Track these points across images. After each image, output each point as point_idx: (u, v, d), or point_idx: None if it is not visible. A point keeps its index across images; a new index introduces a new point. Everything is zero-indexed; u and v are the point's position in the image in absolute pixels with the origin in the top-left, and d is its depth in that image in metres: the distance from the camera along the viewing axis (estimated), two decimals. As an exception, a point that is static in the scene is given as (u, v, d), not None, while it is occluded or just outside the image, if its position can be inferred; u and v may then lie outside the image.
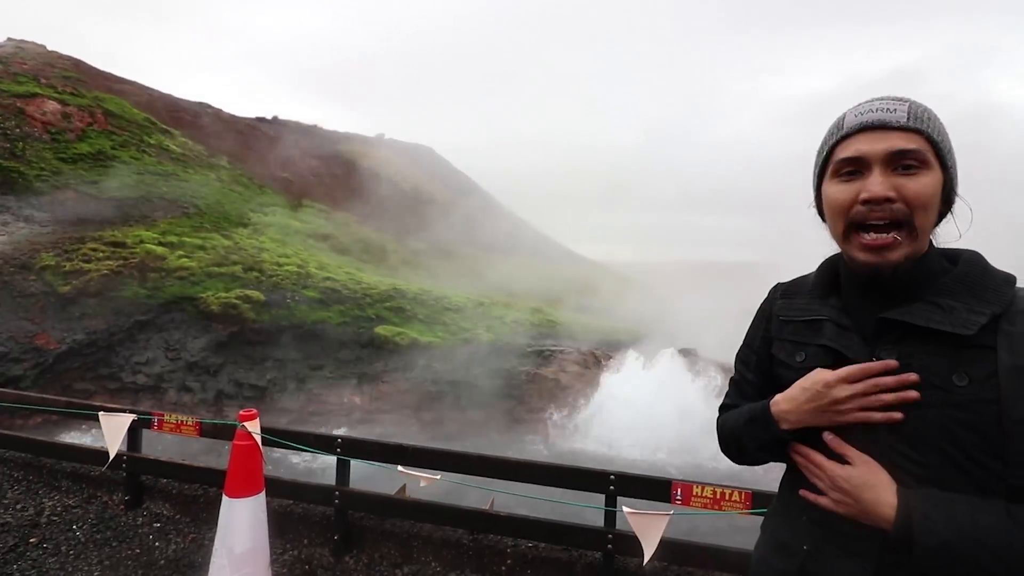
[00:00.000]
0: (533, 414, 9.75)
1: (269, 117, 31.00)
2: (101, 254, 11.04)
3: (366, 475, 3.66)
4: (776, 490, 1.16)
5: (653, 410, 9.75)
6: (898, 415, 0.88)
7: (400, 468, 2.93)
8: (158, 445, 7.09)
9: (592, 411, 9.73)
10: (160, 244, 12.05)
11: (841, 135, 0.93)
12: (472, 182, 33.36)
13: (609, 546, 3.05)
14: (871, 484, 0.88)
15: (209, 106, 27.19)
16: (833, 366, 0.94)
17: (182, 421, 3.76)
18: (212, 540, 3.55)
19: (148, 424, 3.78)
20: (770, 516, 1.14)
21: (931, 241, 0.95)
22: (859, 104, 0.94)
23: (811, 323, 1.02)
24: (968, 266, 0.93)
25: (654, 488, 3.07)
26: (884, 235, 0.88)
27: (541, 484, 3.26)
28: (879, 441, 0.90)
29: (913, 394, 0.87)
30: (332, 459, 3.54)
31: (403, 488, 4.07)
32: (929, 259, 0.93)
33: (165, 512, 3.95)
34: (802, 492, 0.98)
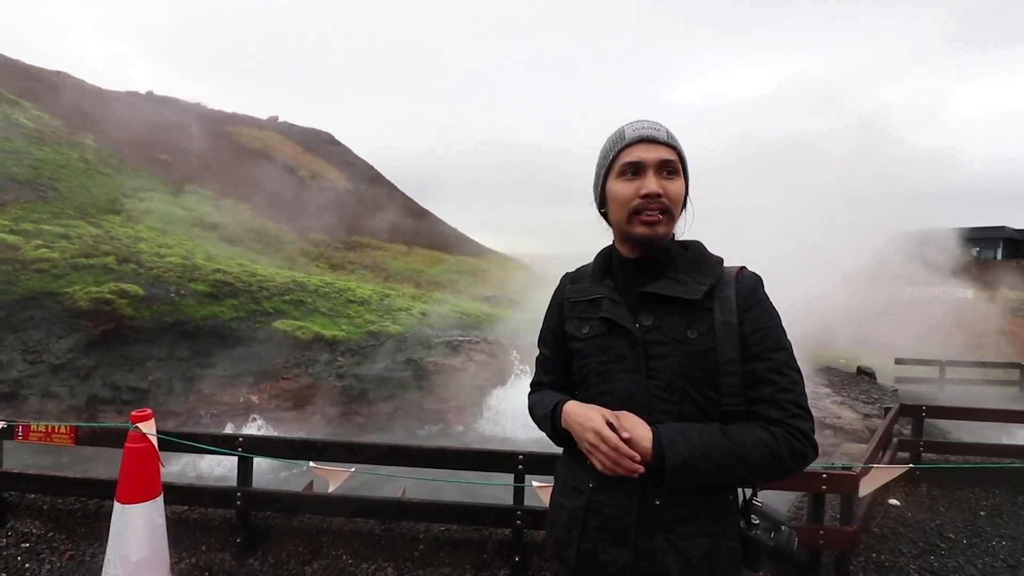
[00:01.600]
0: (442, 403, 9.80)
1: (143, 91, 27.97)
2: (-68, 243, 9.46)
3: (273, 478, 3.55)
4: None
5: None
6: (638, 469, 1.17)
7: (311, 464, 2.89)
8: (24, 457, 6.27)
9: (498, 397, 9.97)
10: (12, 232, 10.53)
11: (624, 144, 1.23)
12: (375, 171, 32.33)
13: (518, 522, 3.23)
14: (633, 429, 1.16)
15: (69, 76, 24.00)
16: (609, 332, 1.24)
17: (53, 428, 3.41)
18: (93, 556, 3.28)
19: (10, 434, 3.38)
20: (561, 465, 1.39)
21: (672, 233, 1.27)
22: (633, 122, 1.25)
23: (592, 301, 1.30)
24: (694, 252, 1.28)
25: (558, 465, 3.29)
26: (655, 214, 1.19)
27: (453, 469, 3.36)
28: (640, 384, 1.20)
29: (639, 468, 1.16)
30: (229, 462, 3.40)
31: (310, 484, 3.99)
32: (671, 246, 1.27)
33: (35, 530, 3.58)
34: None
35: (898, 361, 12.66)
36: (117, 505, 2.18)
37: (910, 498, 4.94)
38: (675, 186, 1.20)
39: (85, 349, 8.76)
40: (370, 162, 32.70)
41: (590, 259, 1.44)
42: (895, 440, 5.17)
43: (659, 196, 1.18)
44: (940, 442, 5.99)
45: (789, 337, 1.23)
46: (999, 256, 39.00)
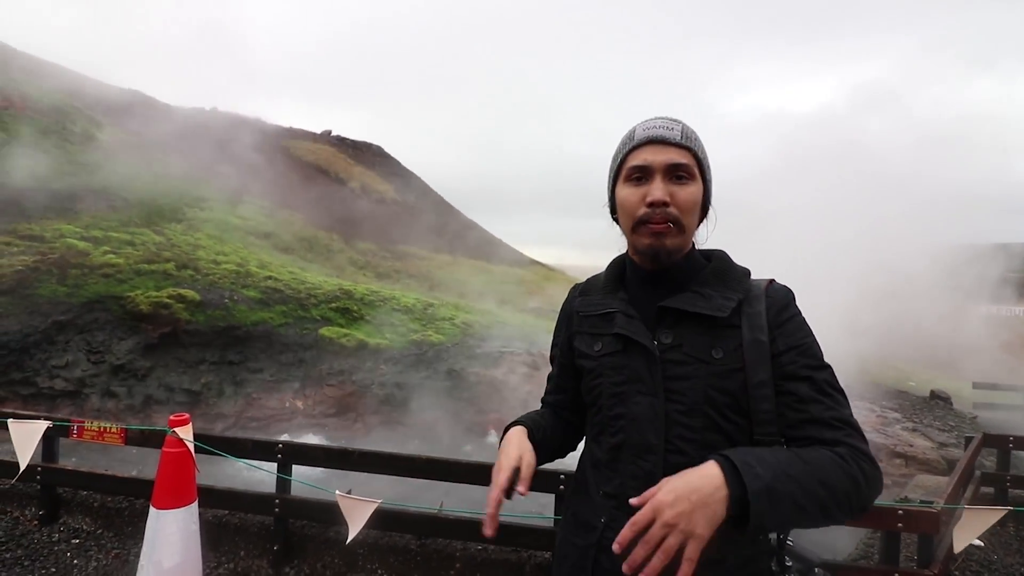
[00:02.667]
0: (482, 416, 9.70)
1: (207, 108, 29.55)
2: (15, 248, 10.15)
3: (312, 482, 3.51)
4: None
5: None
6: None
7: (337, 492, 2.82)
8: (83, 454, 6.59)
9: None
10: (83, 239, 11.21)
11: (632, 146, 1.11)
12: (423, 182, 32.94)
13: (558, 546, 3.07)
14: (683, 478, 0.88)
15: (141, 94, 25.64)
16: (624, 350, 1.11)
17: (105, 428, 3.49)
18: (137, 556, 3.32)
19: (66, 432, 3.48)
20: (570, 496, 1.26)
21: (693, 243, 1.16)
22: (646, 121, 1.13)
23: (605, 315, 1.17)
24: (718, 263, 1.15)
25: (602, 487, 3.11)
26: (662, 224, 1.07)
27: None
28: (659, 409, 1.06)
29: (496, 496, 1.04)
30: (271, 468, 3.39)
31: (348, 493, 3.95)
32: (692, 256, 1.15)
33: (85, 527, 3.66)
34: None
35: (976, 386, 11.65)
36: (152, 510, 2.16)
37: (995, 539, 4.46)
38: (686, 192, 1.07)
39: (143, 351, 9.16)
40: (418, 173, 33.36)
41: None
42: (978, 474, 4.69)
43: (665, 204, 1.06)
44: (1031, 477, 5.40)
45: (850, 355, 1.05)
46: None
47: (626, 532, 0.85)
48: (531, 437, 1.21)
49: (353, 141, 33.54)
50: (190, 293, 10.24)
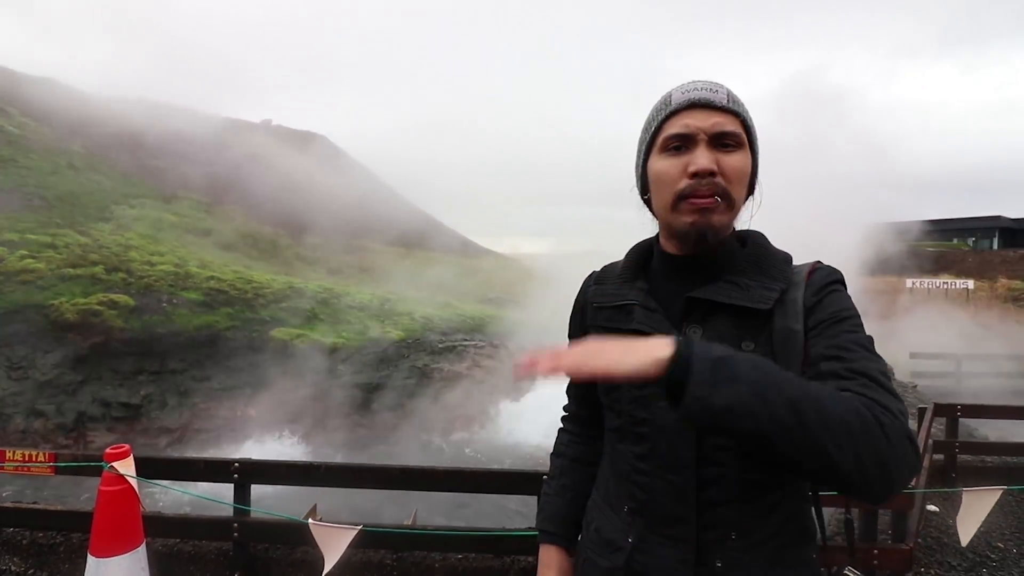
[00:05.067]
0: (448, 412, 9.50)
1: (132, 96, 27.59)
2: (-87, 256, 9.11)
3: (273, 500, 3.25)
4: None
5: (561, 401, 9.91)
6: None
7: (311, 522, 2.57)
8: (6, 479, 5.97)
9: (506, 404, 9.69)
10: (-5, 243, 10.20)
11: (670, 111, 0.96)
12: (371, 173, 32.01)
13: (544, 550, 2.96)
14: (638, 343, 0.78)
15: (57, 82, 23.62)
16: None
17: (30, 455, 3.09)
18: (77, 597, 2.98)
19: (-17, 465, 3.07)
20: (589, 510, 1.10)
21: (733, 225, 1.00)
22: (683, 84, 0.98)
23: (622, 308, 1.03)
24: (755, 247, 1.01)
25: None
26: (708, 198, 0.92)
27: (471, 492, 3.09)
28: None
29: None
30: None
31: (314, 509, 3.71)
32: (729, 240, 0.99)
33: (13, 567, 3.28)
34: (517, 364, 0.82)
35: (913, 355, 12.41)
36: (91, 559, 1.86)
37: (948, 503, 4.67)
38: (734, 160, 0.92)
39: (72, 364, 8.42)
40: (366, 164, 32.41)
41: (598, 256, 1.17)
42: (930, 442, 4.90)
43: (713, 174, 0.90)
44: (977, 442, 5.73)
45: None
46: (995, 246, 39.07)
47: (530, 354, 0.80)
48: (569, 551, 1.14)
49: (295, 131, 32.20)
50: (123, 298, 9.49)
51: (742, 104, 0.98)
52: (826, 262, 1.01)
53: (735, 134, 0.93)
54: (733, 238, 1.01)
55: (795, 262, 1.01)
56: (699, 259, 0.98)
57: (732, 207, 0.94)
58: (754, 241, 1.01)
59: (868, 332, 0.92)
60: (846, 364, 0.83)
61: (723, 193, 0.91)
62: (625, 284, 1.05)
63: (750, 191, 1.00)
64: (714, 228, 0.92)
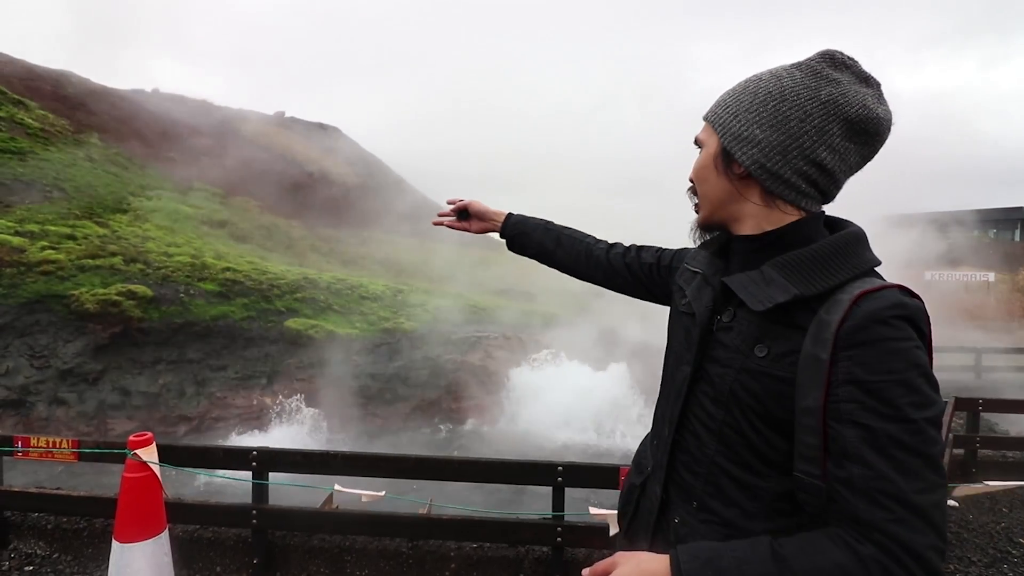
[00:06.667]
0: (461, 403, 9.54)
1: (148, 89, 27.81)
2: (-62, 247, 9.30)
3: (289, 488, 3.29)
4: None
5: (577, 392, 9.90)
6: None
7: (337, 487, 2.61)
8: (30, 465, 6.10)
9: (519, 395, 9.69)
10: (17, 234, 10.35)
11: None
12: (384, 164, 32.04)
13: (559, 539, 2.97)
14: (637, 559, 0.87)
15: (74, 75, 23.86)
16: (692, 314, 1.03)
17: (54, 443, 3.16)
18: (101, 580, 3.05)
19: (9, 451, 3.14)
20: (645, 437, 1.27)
21: (806, 213, 0.94)
22: None
23: (694, 275, 1.10)
24: (825, 244, 0.89)
25: (602, 476, 3.02)
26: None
27: (486, 482, 3.10)
28: (687, 387, 1.00)
29: None
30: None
31: (330, 498, 3.75)
32: (786, 229, 0.93)
33: (39, 551, 3.36)
34: None
35: (930, 348, 12.19)
36: (115, 544, 1.89)
37: (968, 498, 4.60)
38: (695, 162, 1.04)
39: (93, 353, 8.57)
40: (378, 155, 32.43)
41: None
42: (950, 436, 4.83)
43: (692, 180, 1.05)
44: (999, 437, 5.62)
45: None
46: (1017, 238, 38.20)
47: None
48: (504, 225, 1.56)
49: (308, 123, 32.27)
50: (141, 289, 9.62)
51: (721, 104, 1.00)
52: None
53: (699, 140, 1.03)
54: (811, 224, 0.93)
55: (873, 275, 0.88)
56: (767, 244, 0.94)
57: (702, 204, 1.03)
58: (831, 239, 0.90)
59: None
60: (878, 482, 0.73)
61: (695, 193, 1.05)
62: (712, 255, 1.09)
63: (764, 188, 0.93)
64: (697, 224, 1.06)
